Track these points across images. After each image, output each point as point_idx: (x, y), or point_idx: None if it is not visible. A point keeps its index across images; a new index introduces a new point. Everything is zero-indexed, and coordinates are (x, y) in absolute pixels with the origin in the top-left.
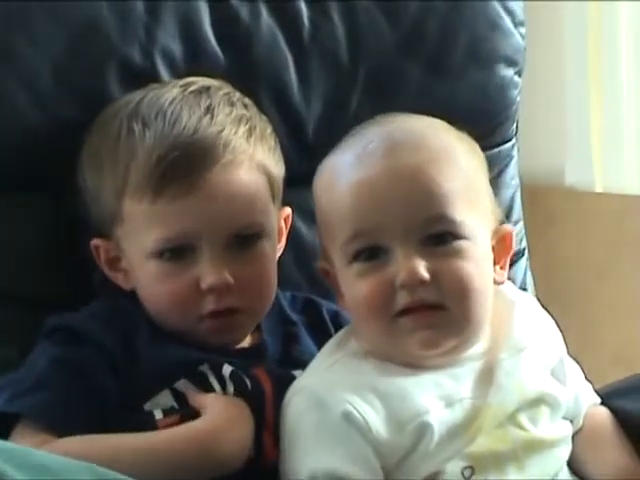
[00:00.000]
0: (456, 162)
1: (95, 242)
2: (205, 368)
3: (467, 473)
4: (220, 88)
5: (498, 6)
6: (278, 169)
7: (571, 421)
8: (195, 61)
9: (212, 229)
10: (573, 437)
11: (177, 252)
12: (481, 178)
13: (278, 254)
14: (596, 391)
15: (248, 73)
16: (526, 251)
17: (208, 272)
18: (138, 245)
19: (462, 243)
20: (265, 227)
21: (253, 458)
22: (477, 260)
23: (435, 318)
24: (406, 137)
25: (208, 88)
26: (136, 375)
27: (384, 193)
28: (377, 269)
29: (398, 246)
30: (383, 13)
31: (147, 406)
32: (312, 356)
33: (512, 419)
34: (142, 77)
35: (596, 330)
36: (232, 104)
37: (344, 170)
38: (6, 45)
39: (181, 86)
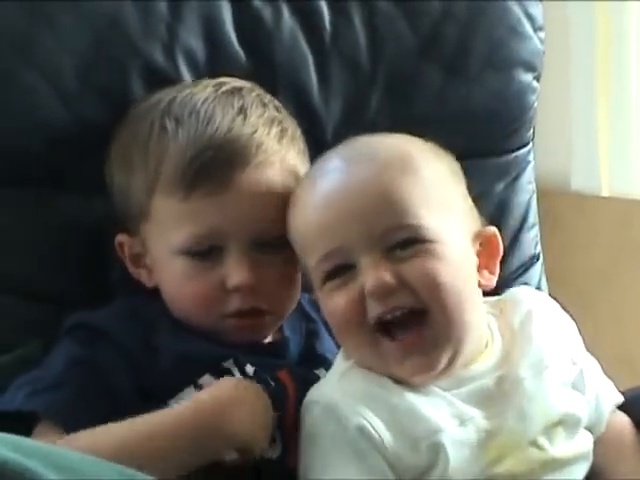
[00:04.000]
0: (413, 169)
1: (120, 238)
2: (229, 364)
3: None
4: (252, 90)
5: (518, 11)
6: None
7: (591, 430)
8: (217, 61)
9: (240, 228)
10: (595, 443)
11: (206, 251)
12: (449, 183)
13: None
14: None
15: (269, 73)
16: (541, 255)
17: (234, 272)
18: (165, 242)
19: (427, 246)
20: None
21: (279, 459)
22: (448, 260)
23: (419, 337)
24: (360, 152)
25: (240, 89)
26: (159, 372)
27: (341, 211)
28: (346, 284)
29: (363, 259)
30: (403, 16)
31: (172, 403)
32: (332, 353)
33: (532, 443)
34: (164, 76)
35: (601, 334)
36: (264, 105)
37: (306, 194)
38: (30, 41)
39: (214, 86)
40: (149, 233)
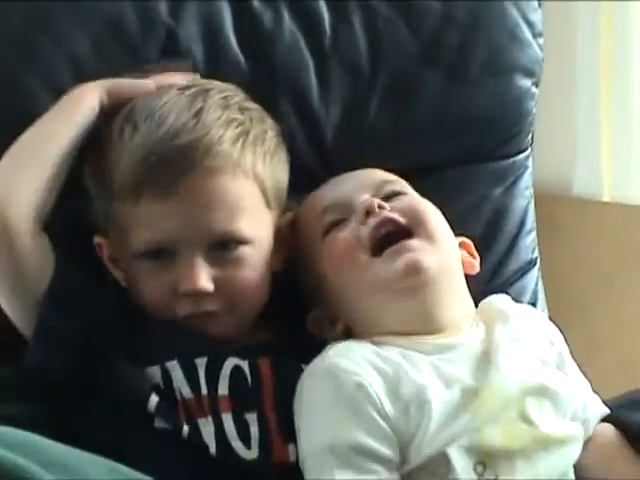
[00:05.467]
0: None
1: (97, 239)
2: (201, 362)
3: (479, 469)
4: (222, 91)
5: (518, 17)
6: (275, 174)
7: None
8: (216, 64)
9: (189, 234)
10: (583, 449)
11: (158, 255)
12: None
13: (280, 261)
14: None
15: (268, 77)
16: (538, 261)
17: (186, 277)
18: (125, 246)
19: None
20: (248, 234)
21: (262, 456)
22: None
23: (409, 243)
24: None
25: (207, 90)
26: (140, 337)
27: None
28: (345, 224)
29: (355, 202)
30: (404, 21)
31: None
32: None
33: (520, 409)
34: None
35: (601, 339)
36: (226, 107)
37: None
38: (29, 43)
39: (179, 89)
40: (114, 237)
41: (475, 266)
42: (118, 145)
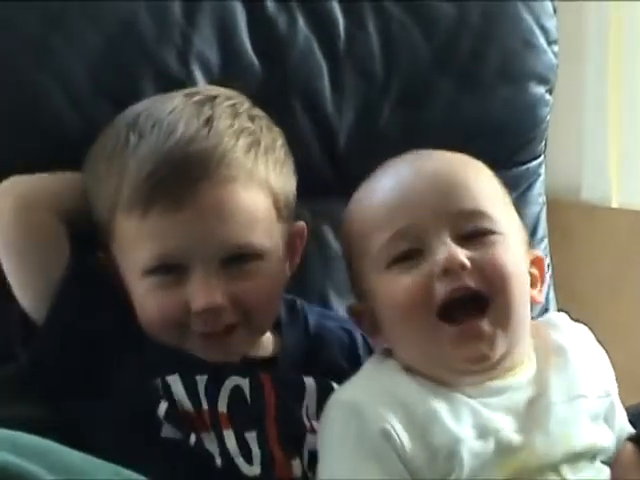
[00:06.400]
0: (480, 169)
1: (99, 255)
2: (201, 379)
3: None
4: (229, 98)
5: (532, 23)
6: (286, 184)
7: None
8: (231, 68)
9: (202, 247)
10: None
11: (168, 270)
12: (505, 194)
13: (291, 270)
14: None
15: (282, 81)
16: (550, 268)
17: (199, 294)
18: (129, 263)
19: (497, 237)
20: (262, 248)
21: (265, 473)
22: (514, 254)
23: (480, 323)
24: (425, 153)
25: (214, 98)
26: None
27: (413, 190)
28: (413, 267)
29: (434, 239)
30: (418, 26)
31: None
32: (337, 365)
33: (553, 469)
34: (177, 83)
35: (610, 343)
36: (236, 116)
37: (370, 186)
38: (43, 44)
39: (185, 95)
40: (116, 253)
41: (538, 300)
42: (122, 155)
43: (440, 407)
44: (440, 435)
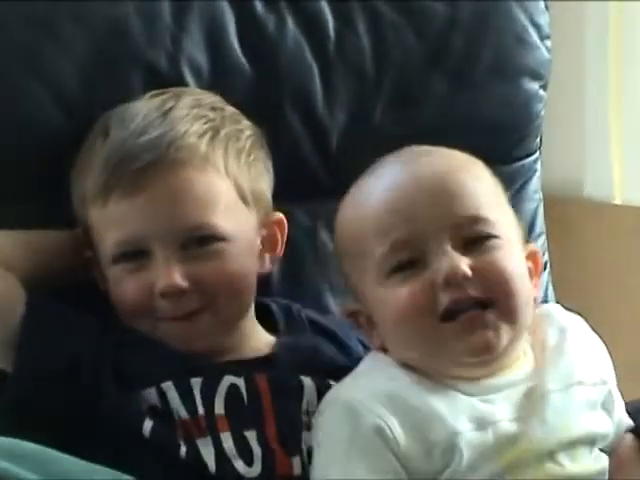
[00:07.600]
0: (483, 172)
1: (87, 254)
2: (196, 382)
3: None
4: (197, 94)
5: (524, 19)
6: (252, 174)
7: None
8: (221, 70)
9: (160, 231)
10: None
11: (133, 256)
12: (501, 193)
13: (272, 262)
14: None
15: (273, 83)
16: (548, 265)
17: (161, 276)
18: (101, 252)
19: (497, 241)
20: (224, 230)
21: (265, 472)
22: (514, 256)
23: (485, 317)
24: (423, 149)
25: (182, 93)
26: (134, 358)
27: (412, 195)
28: (414, 275)
29: (435, 246)
30: (409, 25)
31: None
32: (334, 364)
33: (551, 456)
34: (168, 85)
35: (612, 341)
36: (196, 106)
37: (368, 188)
38: (32, 46)
39: (154, 94)
40: (95, 245)
41: (538, 295)
42: (91, 153)
43: (437, 401)
44: (438, 429)
